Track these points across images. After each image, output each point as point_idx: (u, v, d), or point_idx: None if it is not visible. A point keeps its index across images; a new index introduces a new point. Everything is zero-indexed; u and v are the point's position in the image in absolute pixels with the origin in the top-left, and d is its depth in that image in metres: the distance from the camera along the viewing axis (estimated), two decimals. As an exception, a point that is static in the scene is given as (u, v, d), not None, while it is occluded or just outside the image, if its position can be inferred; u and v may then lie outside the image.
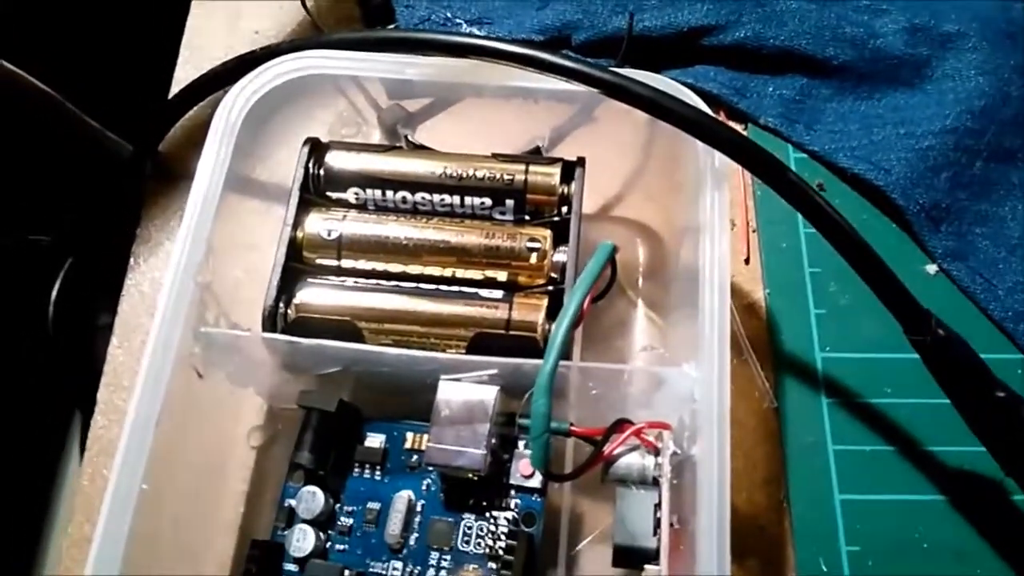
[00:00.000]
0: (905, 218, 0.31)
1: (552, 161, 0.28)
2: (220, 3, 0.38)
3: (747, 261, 0.32)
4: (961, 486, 0.28)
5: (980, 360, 0.24)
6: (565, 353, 0.24)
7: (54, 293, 0.40)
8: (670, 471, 0.23)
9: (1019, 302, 0.30)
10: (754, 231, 0.32)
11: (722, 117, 0.34)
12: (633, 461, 0.24)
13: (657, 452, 0.24)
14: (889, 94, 0.33)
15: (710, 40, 0.34)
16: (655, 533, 0.22)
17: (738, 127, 0.34)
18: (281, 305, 0.26)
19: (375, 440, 0.27)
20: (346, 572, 0.25)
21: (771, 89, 0.33)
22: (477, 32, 0.34)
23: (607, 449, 0.24)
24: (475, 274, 0.27)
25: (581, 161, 0.28)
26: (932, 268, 0.31)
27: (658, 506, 0.23)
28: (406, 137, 0.30)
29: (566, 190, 0.27)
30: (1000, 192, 0.32)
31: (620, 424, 0.24)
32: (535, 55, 0.25)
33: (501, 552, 0.24)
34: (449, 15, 0.34)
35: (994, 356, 0.29)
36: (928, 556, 0.27)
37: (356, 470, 0.27)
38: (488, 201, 0.28)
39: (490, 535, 0.25)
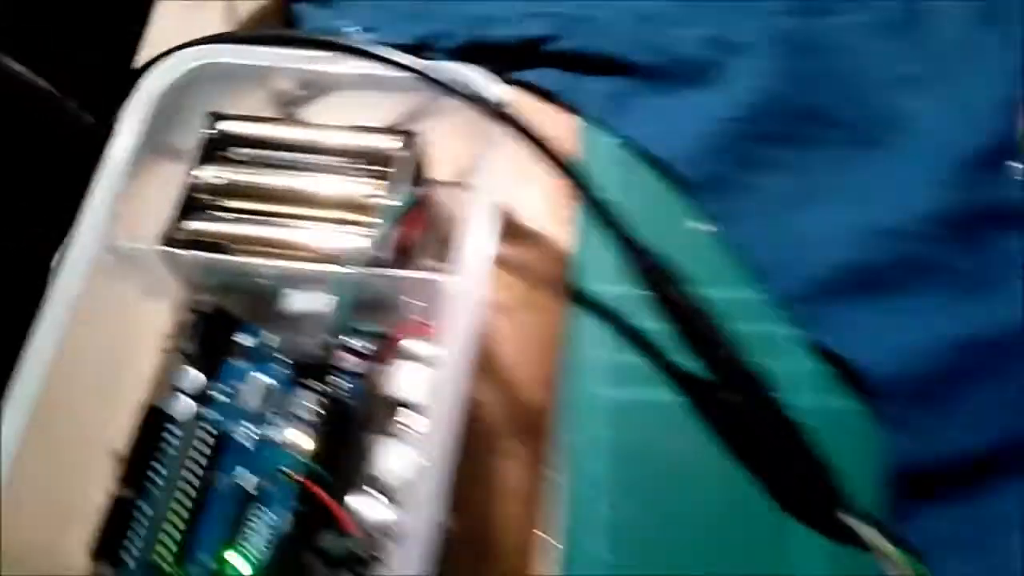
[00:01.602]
0: (690, 188, 0.39)
1: (397, 132, 0.36)
2: (179, 12, 0.47)
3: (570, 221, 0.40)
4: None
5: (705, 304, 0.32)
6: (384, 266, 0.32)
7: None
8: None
9: (778, 258, 0.37)
10: (575, 197, 0.40)
11: (561, 110, 0.42)
12: (417, 349, 0.32)
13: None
14: (687, 92, 0.41)
15: (548, 47, 0.42)
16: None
17: (572, 118, 0.42)
18: (178, 231, 0.35)
19: (246, 339, 0.35)
20: (212, 429, 0.33)
21: (594, 87, 0.42)
22: (361, 36, 0.42)
23: (397, 339, 0.32)
24: (331, 215, 0.35)
25: (417, 133, 0.36)
26: (708, 228, 0.39)
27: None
28: (293, 113, 0.39)
29: (407, 155, 0.36)
30: (773, 170, 0.39)
31: (409, 322, 0.32)
32: (350, 45, 0.34)
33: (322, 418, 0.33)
34: (344, 23, 0.43)
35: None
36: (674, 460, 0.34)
37: (230, 359, 0.35)
38: (346, 161, 0.36)
39: (320, 406, 0.33)
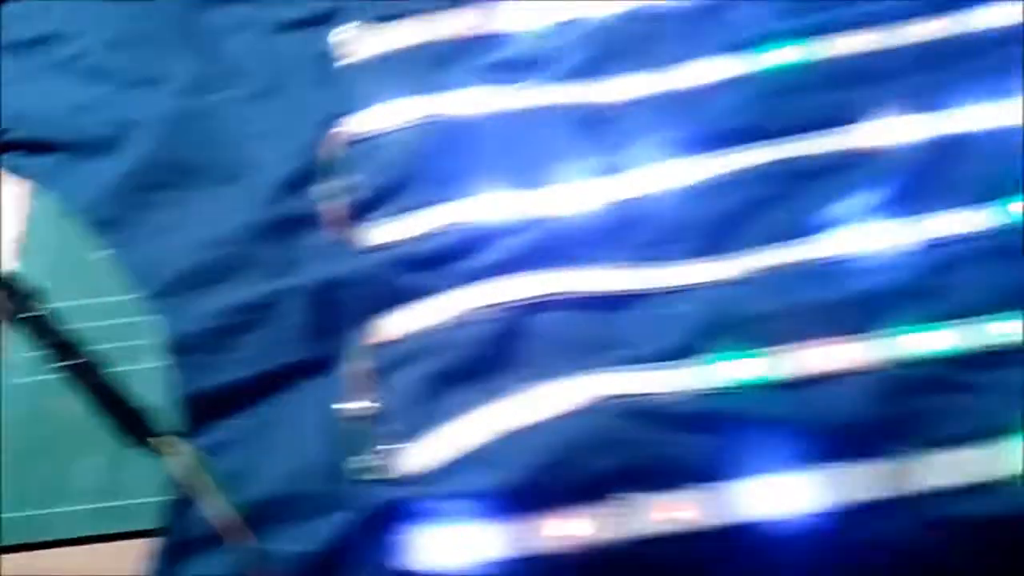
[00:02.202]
0: (100, 227, 0.54)
1: None
2: None
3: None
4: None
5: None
6: None
7: None
8: None
9: (150, 270, 0.52)
10: (20, 244, 0.55)
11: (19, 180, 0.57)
12: None
13: None
14: (99, 158, 0.56)
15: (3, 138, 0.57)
16: None
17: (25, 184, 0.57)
18: None
19: None
20: None
21: (40, 162, 0.57)
22: None
23: None
24: None
25: None
26: (103, 254, 0.53)
27: None
28: None
29: None
30: (156, 208, 0.54)
31: None
32: None
33: None
34: None
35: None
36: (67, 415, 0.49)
37: None
38: None
39: None
